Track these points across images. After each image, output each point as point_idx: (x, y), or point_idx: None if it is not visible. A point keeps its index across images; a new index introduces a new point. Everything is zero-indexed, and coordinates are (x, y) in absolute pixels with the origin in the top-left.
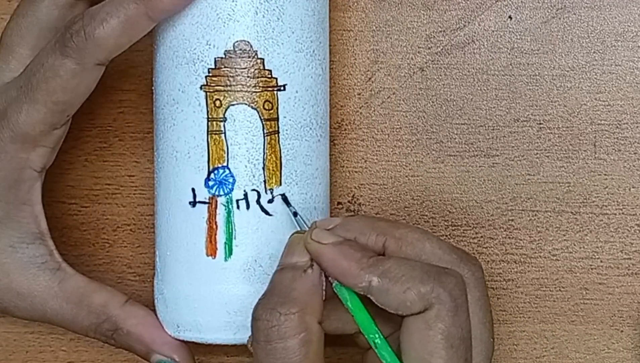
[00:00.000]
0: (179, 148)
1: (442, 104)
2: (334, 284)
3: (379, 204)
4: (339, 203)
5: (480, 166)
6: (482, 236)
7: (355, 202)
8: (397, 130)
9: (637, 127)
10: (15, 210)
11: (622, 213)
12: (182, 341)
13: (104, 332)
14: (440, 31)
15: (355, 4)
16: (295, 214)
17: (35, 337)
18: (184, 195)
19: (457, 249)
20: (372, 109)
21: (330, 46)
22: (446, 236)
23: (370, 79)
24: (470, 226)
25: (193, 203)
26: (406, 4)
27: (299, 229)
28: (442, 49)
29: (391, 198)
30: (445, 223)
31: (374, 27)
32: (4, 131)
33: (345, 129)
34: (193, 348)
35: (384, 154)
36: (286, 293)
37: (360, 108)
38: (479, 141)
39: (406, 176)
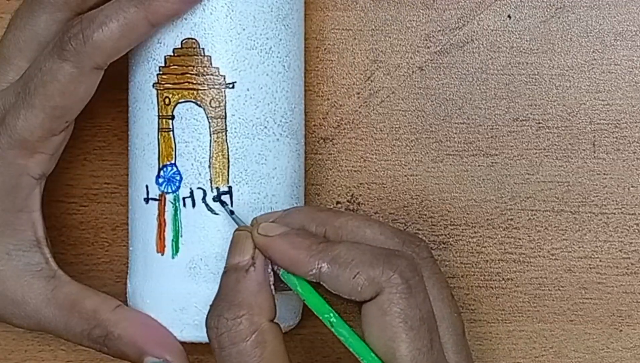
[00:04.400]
0: (137, 145)
1: (441, 103)
2: (280, 273)
3: (378, 204)
4: (338, 203)
5: (479, 166)
6: (481, 236)
7: (354, 201)
8: (396, 129)
9: (636, 126)
10: (12, 217)
11: (621, 213)
12: (180, 342)
13: (95, 339)
14: (440, 30)
15: (354, 3)
16: (231, 212)
17: (34, 336)
18: (140, 192)
19: (400, 232)
20: (371, 108)
21: (328, 45)
22: (445, 235)
23: (369, 78)
24: (469, 226)
25: (146, 200)
26: (405, 3)
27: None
28: (441, 48)
29: (390, 197)
30: (445, 222)
31: (373, 27)
32: (1, 137)
33: (344, 129)
34: (193, 347)
35: (383, 154)
36: (231, 297)
37: (359, 107)
38: (478, 141)
39: (405, 176)
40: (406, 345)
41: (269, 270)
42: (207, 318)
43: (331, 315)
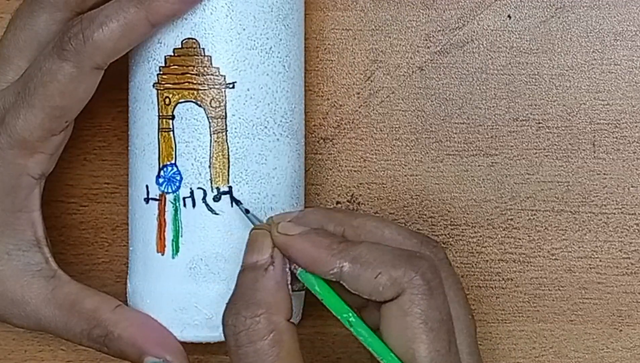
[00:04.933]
0: (137, 145)
1: (441, 103)
2: (298, 272)
3: (378, 204)
4: (337, 203)
5: (479, 166)
6: (481, 236)
7: (354, 201)
8: (396, 129)
9: (636, 126)
10: (12, 217)
11: (621, 213)
12: (180, 342)
13: (95, 338)
14: (440, 30)
15: (354, 3)
16: (247, 211)
17: (34, 336)
18: (140, 192)
19: (417, 234)
20: (371, 108)
21: (328, 45)
22: (445, 235)
23: (369, 78)
24: (469, 226)
25: (147, 200)
26: (405, 3)
27: (252, 226)
28: (441, 48)
29: (390, 197)
30: (445, 222)
31: (373, 27)
32: (1, 137)
33: (344, 129)
34: (193, 347)
35: (383, 154)
36: (250, 296)
37: (359, 107)
38: (478, 140)
39: (405, 176)
40: (426, 346)
41: (287, 271)
42: (224, 316)
43: (350, 314)
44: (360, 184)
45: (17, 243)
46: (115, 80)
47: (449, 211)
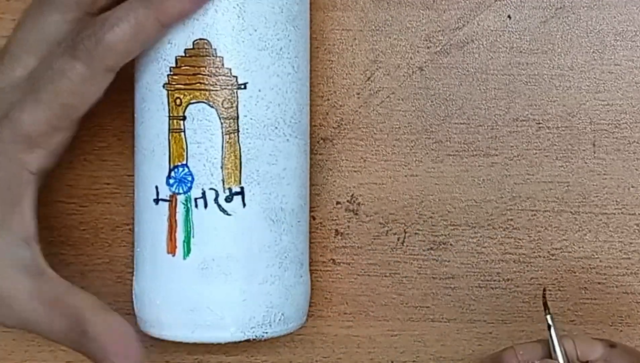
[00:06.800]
0: (145, 146)
1: (441, 103)
2: None
3: (378, 204)
4: (338, 203)
5: (479, 166)
6: (481, 236)
7: (354, 202)
8: (396, 129)
9: (637, 126)
10: (4, 212)
11: (622, 213)
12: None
13: (72, 338)
14: (440, 31)
15: (355, 3)
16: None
17: (34, 336)
18: (149, 193)
19: None
20: (371, 108)
21: (329, 45)
22: (445, 235)
23: (369, 78)
24: (469, 226)
25: (156, 201)
26: (405, 4)
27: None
28: (441, 49)
29: (390, 198)
30: (445, 223)
31: (373, 27)
32: (5, 131)
33: (344, 129)
34: (193, 347)
35: (383, 154)
36: None
37: (359, 108)
38: (478, 141)
39: (405, 176)
40: None
41: None
42: None
43: None
44: (361, 184)
45: (7, 238)
46: (117, 81)
47: (449, 212)
